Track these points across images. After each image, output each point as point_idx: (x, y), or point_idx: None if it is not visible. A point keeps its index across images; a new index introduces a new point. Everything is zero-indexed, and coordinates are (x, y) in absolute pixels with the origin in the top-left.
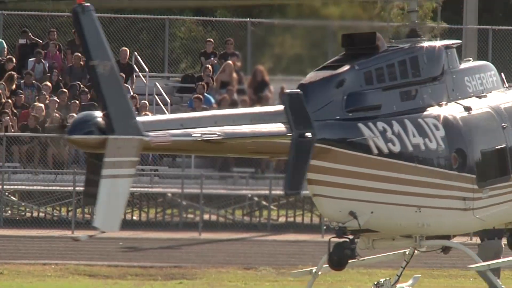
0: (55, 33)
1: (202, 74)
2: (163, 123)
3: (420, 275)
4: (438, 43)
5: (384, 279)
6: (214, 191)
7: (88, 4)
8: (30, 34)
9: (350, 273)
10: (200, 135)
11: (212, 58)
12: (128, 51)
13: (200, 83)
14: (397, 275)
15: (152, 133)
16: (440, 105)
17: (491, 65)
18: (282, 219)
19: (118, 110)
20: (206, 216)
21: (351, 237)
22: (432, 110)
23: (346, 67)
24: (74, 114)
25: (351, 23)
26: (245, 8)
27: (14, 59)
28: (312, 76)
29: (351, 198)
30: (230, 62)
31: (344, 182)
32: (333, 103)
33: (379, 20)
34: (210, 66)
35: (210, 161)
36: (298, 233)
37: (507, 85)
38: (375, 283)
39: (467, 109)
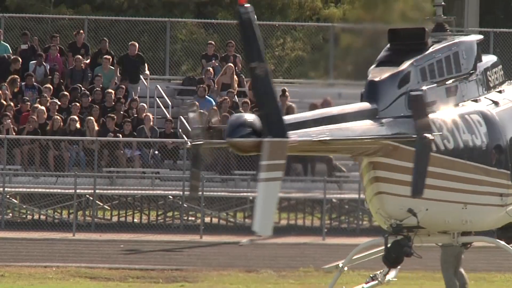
0: (58, 38)
1: (203, 76)
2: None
3: (399, 266)
4: (471, 38)
5: (379, 271)
6: (215, 194)
7: (249, 5)
8: (35, 37)
9: (351, 275)
10: (316, 135)
11: (213, 61)
12: (137, 45)
13: (201, 85)
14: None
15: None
16: (475, 101)
17: (498, 58)
18: (283, 222)
19: (272, 112)
20: (207, 219)
21: (406, 234)
22: (473, 106)
23: (407, 63)
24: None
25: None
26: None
27: (20, 60)
28: (377, 72)
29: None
30: (231, 64)
31: (409, 179)
32: (399, 100)
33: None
34: (211, 69)
35: (211, 164)
36: (299, 235)
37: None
38: (371, 275)
39: (496, 104)
